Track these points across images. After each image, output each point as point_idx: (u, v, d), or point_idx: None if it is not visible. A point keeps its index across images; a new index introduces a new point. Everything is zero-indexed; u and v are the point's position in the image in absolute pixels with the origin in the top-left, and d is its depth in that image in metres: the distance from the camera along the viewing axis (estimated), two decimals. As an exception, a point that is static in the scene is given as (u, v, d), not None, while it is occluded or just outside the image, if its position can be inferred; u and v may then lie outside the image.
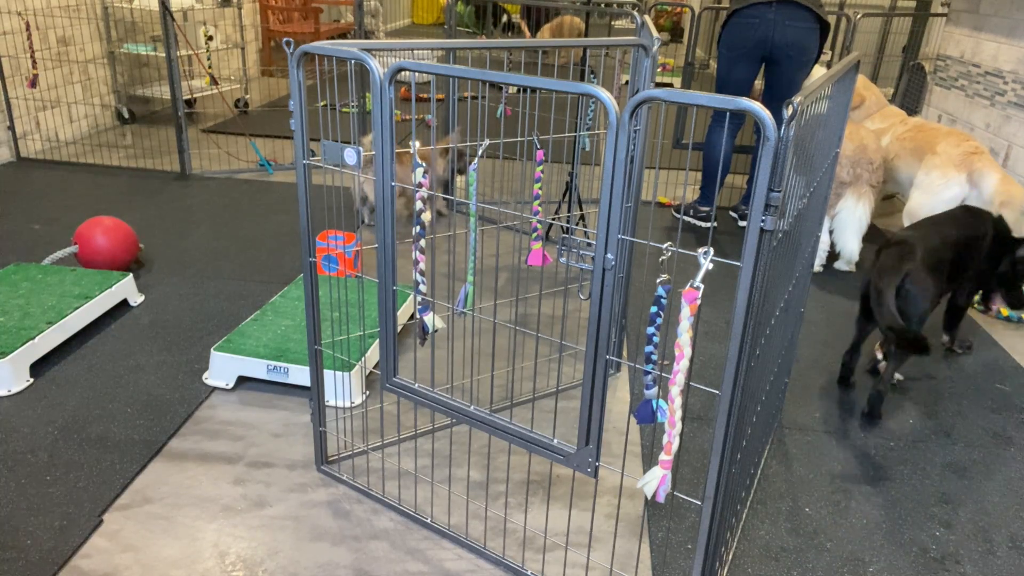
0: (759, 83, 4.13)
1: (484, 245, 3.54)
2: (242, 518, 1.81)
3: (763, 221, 1.15)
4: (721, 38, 3.71)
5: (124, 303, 2.79)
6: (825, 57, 5.93)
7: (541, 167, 1.86)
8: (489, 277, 3.17)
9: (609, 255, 1.28)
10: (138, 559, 1.68)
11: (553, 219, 3.69)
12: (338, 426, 2.17)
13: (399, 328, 2.63)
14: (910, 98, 5.09)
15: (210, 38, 5.36)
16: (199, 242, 3.39)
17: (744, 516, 1.91)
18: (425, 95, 6.77)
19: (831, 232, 3.47)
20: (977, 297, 3.19)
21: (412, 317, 2.74)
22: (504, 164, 4.79)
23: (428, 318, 1.69)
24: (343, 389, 2.25)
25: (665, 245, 1.23)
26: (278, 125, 5.51)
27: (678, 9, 12.51)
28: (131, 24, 5.41)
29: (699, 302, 1.20)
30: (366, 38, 5.74)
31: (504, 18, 10.61)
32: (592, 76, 3.53)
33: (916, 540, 1.87)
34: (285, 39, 1.58)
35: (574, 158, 3.35)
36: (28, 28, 4.21)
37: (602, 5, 4.05)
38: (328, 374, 2.24)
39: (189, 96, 5.65)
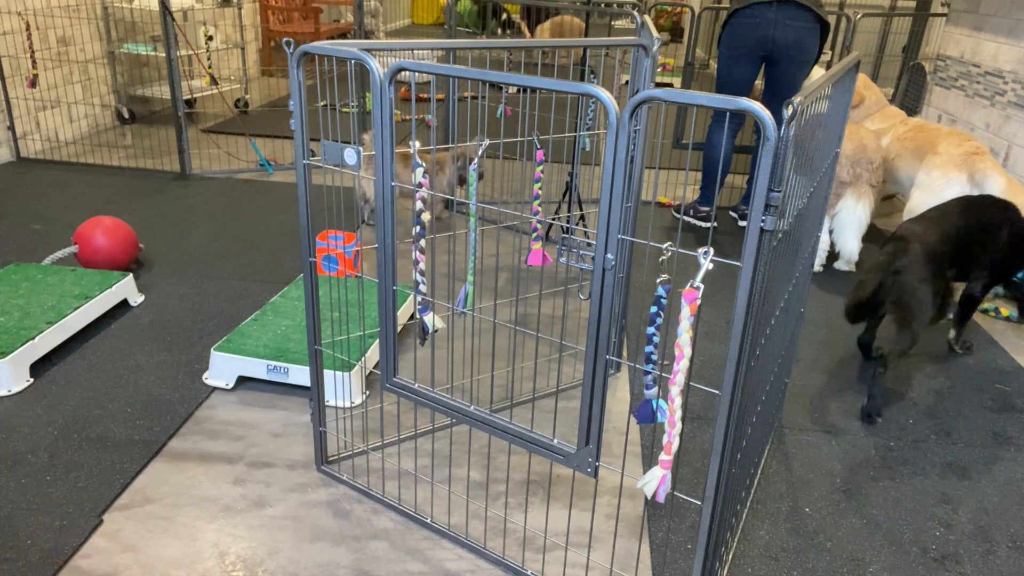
0: (759, 83, 4.13)
1: (484, 245, 3.54)
2: (242, 518, 1.81)
3: (763, 221, 1.15)
4: (721, 38, 3.71)
5: (124, 303, 2.79)
6: (825, 57, 5.93)
7: (541, 167, 1.86)
8: (489, 277, 3.17)
9: (609, 255, 1.28)
10: (138, 559, 1.68)
11: (553, 219, 3.69)
12: (338, 426, 2.17)
13: (399, 328, 2.63)
14: (910, 98, 5.09)
15: (210, 38, 5.36)
16: (199, 242, 3.39)
17: (744, 516, 1.91)
18: (425, 95, 6.77)
19: (831, 232, 3.47)
20: (989, 304, 3.19)
21: (412, 317, 2.74)
22: (504, 164, 4.79)
23: (428, 318, 1.69)
24: (343, 389, 2.25)
25: (665, 245, 1.23)
26: (278, 125, 5.51)
27: (678, 9, 12.51)
28: (131, 24, 5.41)
29: (699, 302, 1.20)
30: (366, 38, 5.74)
31: (503, 16, 10.61)
32: (592, 76, 3.53)
33: (916, 540, 1.87)
34: (285, 39, 1.58)
35: (574, 158, 3.35)
36: (28, 28, 4.21)
37: (602, 5, 4.05)
38: (328, 374, 2.24)
39: (189, 96, 5.65)
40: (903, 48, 6.49)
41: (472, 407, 1.56)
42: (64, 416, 2.14)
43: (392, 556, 1.72)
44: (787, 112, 1.12)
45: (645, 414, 1.34)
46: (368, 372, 2.36)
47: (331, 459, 2.02)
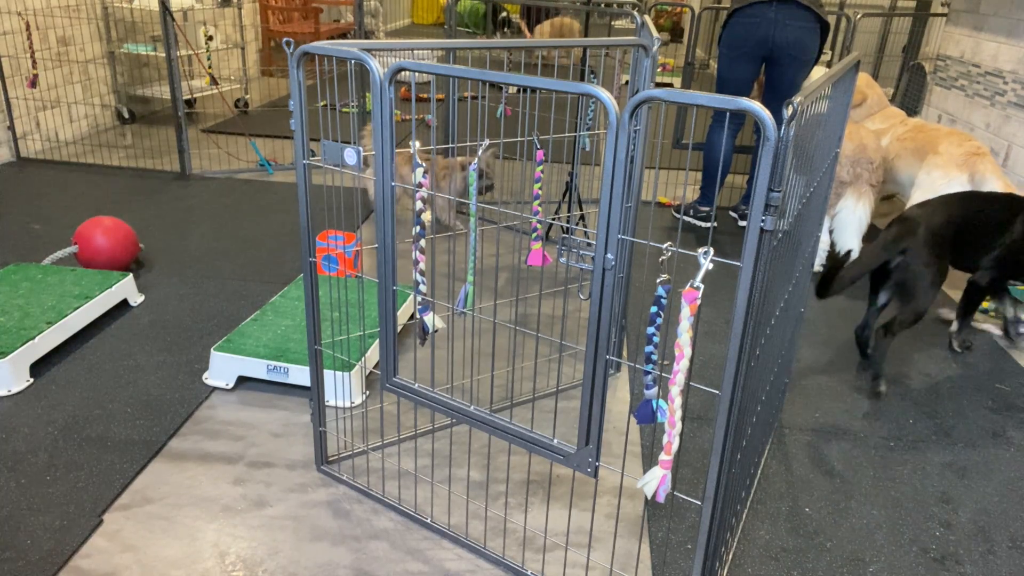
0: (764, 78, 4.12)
1: (484, 245, 3.54)
2: (242, 518, 1.81)
3: (763, 221, 1.15)
4: (722, 37, 3.71)
5: (124, 303, 2.79)
6: (825, 57, 5.94)
7: (541, 167, 1.86)
8: (489, 277, 3.17)
9: (609, 255, 1.28)
10: (138, 559, 1.68)
11: (553, 219, 3.69)
12: (338, 426, 2.17)
13: (399, 328, 2.63)
14: (910, 98, 5.09)
15: (210, 38, 5.36)
16: (199, 242, 3.39)
17: (744, 516, 1.91)
18: (425, 95, 6.77)
19: (831, 232, 3.47)
20: (990, 304, 3.19)
21: (412, 317, 2.74)
22: (504, 164, 4.79)
23: (428, 318, 1.69)
24: (343, 389, 2.25)
25: (665, 245, 1.23)
26: (278, 125, 5.51)
27: (678, 9, 12.51)
28: (131, 24, 5.41)
29: (699, 302, 1.20)
30: (366, 38, 5.74)
31: (502, 15, 10.60)
32: (592, 76, 3.53)
33: (916, 540, 1.87)
34: (285, 39, 1.58)
35: (574, 158, 3.35)
36: (28, 28, 4.21)
37: (602, 5, 4.05)
38: (328, 374, 2.24)
39: (189, 96, 5.65)
40: (903, 48, 6.49)
41: (472, 407, 1.56)
42: (64, 416, 2.14)
43: (392, 556, 1.72)
44: (787, 112, 1.12)
45: (645, 414, 1.34)
46: (368, 372, 2.36)
47: (331, 459, 2.02)
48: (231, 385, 2.33)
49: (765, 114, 1.08)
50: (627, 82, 5.20)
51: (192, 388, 2.31)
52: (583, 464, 1.42)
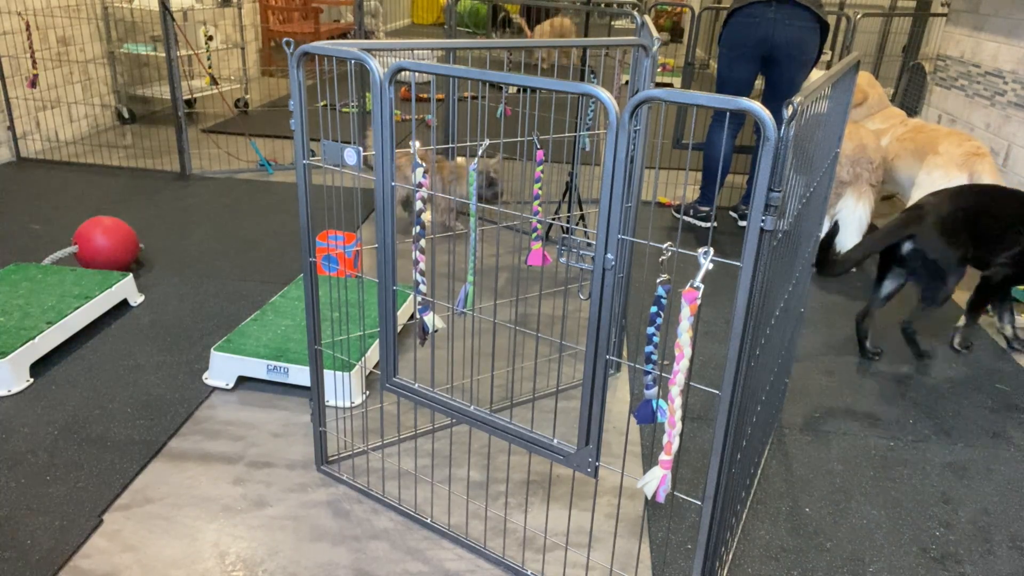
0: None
1: (484, 245, 3.53)
2: (242, 518, 1.81)
3: (763, 221, 1.15)
4: (721, 37, 3.71)
5: (124, 303, 2.79)
6: (825, 57, 5.93)
7: (541, 167, 1.86)
8: (489, 277, 3.17)
9: (609, 255, 1.28)
10: (138, 559, 1.68)
11: (553, 219, 3.69)
12: (338, 426, 2.17)
13: (399, 328, 2.63)
14: (910, 98, 5.09)
15: (210, 38, 5.36)
16: (199, 242, 3.39)
17: (744, 516, 1.91)
18: (425, 95, 6.77)
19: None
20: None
21: (412, 317, 2.74)
22: (504, 164, 4.79)
23: (428, 318, 1.69)
24: (343, 389, 2.25)
25: (665, 245, 1.23)
26: (278, 125, 5.51)
27: (678, 9, 12.51)
28: (131, 24, 5.41)
29: (699, 302, 1.20)
30: (366, 38, 5.74)
31: (501, 15, 10.60)
32: (592, 76, 3.53)
33: (916, 540, 1.87)
34: (285, 39, 1.58)
35: (574, 158, 3.35)
36: (28, 28, 4.21)
37: (602, 5, 4.05)
38: (328, 374, 2.24)
39: (189, 96, 5.65)
40: (903, 48, 6.49)
41: (472, 407, 1.56)
42: (64, 416, 2.14)
43: (392, 556, 1.72)
44: (787, 112, 1.12)
45: (645, 414, 1.34)
46: (368, 372, 2.36)
47: (331, 459, 2.02)
48: (231, 385, 2.33)
49: (765, 114, 1.08)
50: (627, 82, 5.20)
51: (192, 388, 2.31)
52: (583, 464, 1.42)
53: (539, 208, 1.85)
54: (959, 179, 3.32)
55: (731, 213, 4.20)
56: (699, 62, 10.07)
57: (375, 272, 2.55)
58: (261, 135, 5.24)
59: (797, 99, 1.16)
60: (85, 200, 3.83)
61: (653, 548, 1.79)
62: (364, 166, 3.58)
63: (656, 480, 1.32)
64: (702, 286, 1.19)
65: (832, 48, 6.36)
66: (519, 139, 2.28)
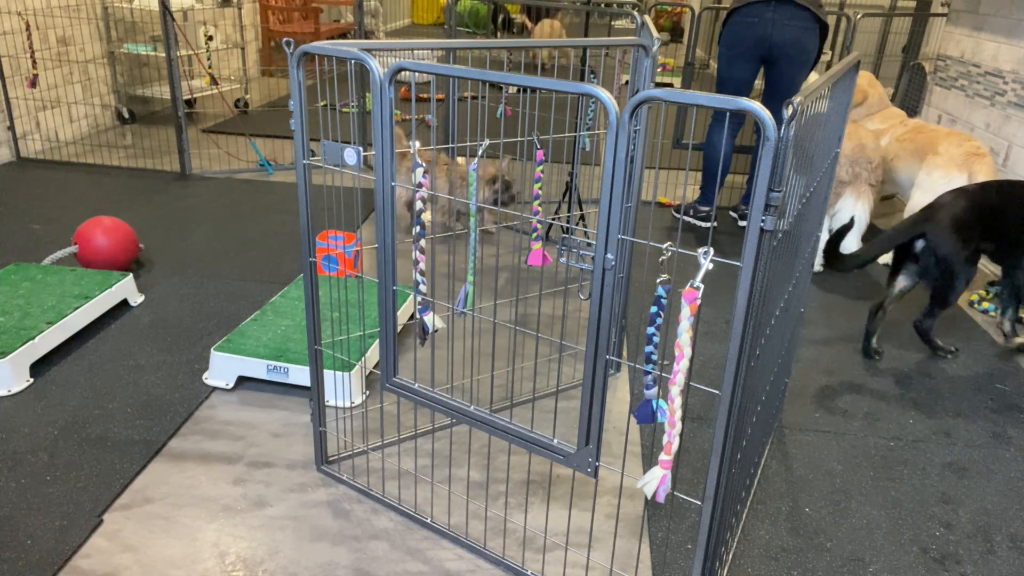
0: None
1: (484, 245, 3.53)
2: (242, 518, 1.81)
3: (763, 221, 1.15)
4: (721, 37, 3.72)
5: (124, 303, 2.79)
6: (825, 57, 5.93)
7: (541, 167, 1.86)
8: (489, 277, 3.17)
9: (609, 255, 1.28)
10: (138, 559, 1.68)
11: (553, 219, 3.69)
12: (338, 426, 2.17)
13: (399, 328, 2.63)
14: (910, 98, 5.09)
15: (210, 38, 5.36)
16: (199, 242, 3.39)
17: (744, 516, 1.91)
18: (425, 95, 6.77)
19: (831, 231, 3.47)
20: (990, 304, 3.18)
21: (412, 317, 2.74)
22: (504, 164, 4.78)
23: (428, 318, 1.69)
24: (343, 389, 2.25)
25: (665, 245, 1.23)
26: (278, 125, 5.51)
27: (678, 9, 12.51)
28: (131, 24, 5.41)
29: (699, 302, 1.20)
30: (366, 38, 5.74)
31: (501, 16, 10.61)
32: (592, 76, 3.53)
33: (916, 540, 1.87)
34: (285, 39, 1.58)
35: (574, 158, 3.35)
36: (28, 28, 4.21)
37: (602, 5, 4.05)
38: (328, 374, 2.24)
39: (189, 96, 5.65)
40: (903, 48, 6.49)
41: (472, 407, 1.56)
42: (64, 416, 2.14)
43: (392, 556, 1.72)
44: (787, 112, 1.12)
45: (645, 414, 1.34)
46: (368, 372, 2.36)
47: (331, 459, 2.02)
48: (231, 385, 2.33)
49: (765, 114, 1.08)
50: (627, 82, 5.20)
51: (192, 388, 2.31)
52: (583, 464, 1.43)
53: (539, 208, 1.85)
54: (959, 179, 3.32)
55: (731, 213, 4.20)
56: (699, 62, 10.07)
57: (375, 272, 2.55)
58: (261, 135, 5.24)
59: (797, 99, 1.16)
60: (85, 200, 3.83)
61: (653, 548, 1.79)
62: (364, 166, 3.57)
63: (656, 480, 1.32)
64: (702, 286, 1.19)
65: (832, 48, 6.36)
66: (519, 139, 2.28)
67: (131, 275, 2.79)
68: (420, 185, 1.55)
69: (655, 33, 2.10)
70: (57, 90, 4.73)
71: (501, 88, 6.04)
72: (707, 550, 1.39)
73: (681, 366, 1.24)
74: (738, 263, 1.18)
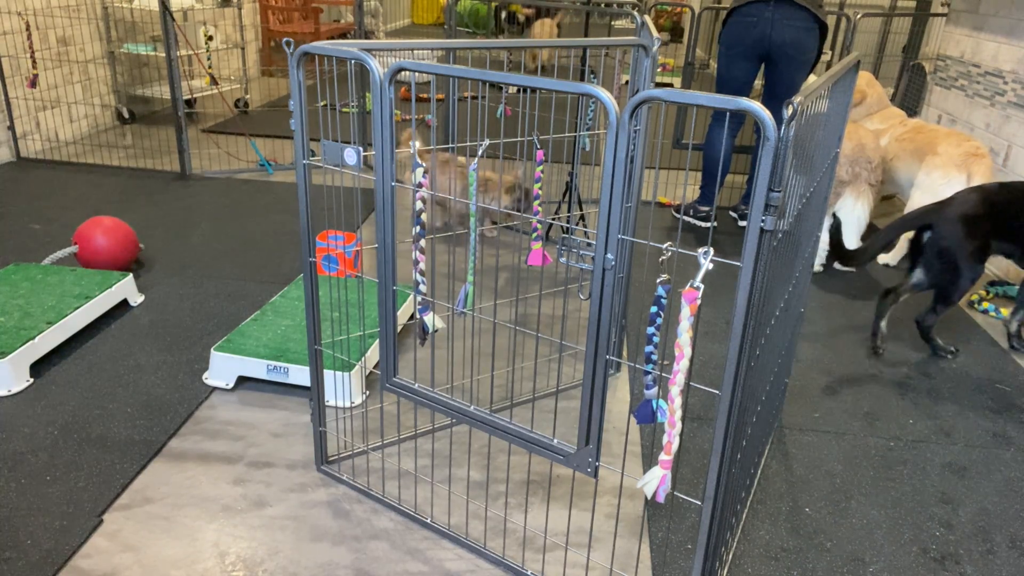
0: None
1: (484, 245, 3.53)
2: (242, 518, 1.81)
3: (763, 221, 1.15)
4: (720, 37, 3.72)
5: (124, 303, 2.79)
6: (825, 57, 5.93)
7: (541, 167, 1.86)
8: (489, 277, 3.17)
9: (609, 255, 1.28)
10: (138, 559, 1.68)
11: (553, 219, 3.69)
12: (338, 426, 2.17)
13: (399, 328, 2.63)
14: (910, 98, 5.09)
15: (210, 38, 5.36)
16: (199, 242, 3.39)
17: (744, 516, 1.91)
18: (425, 95, 6.77)
19: (831, 231, 3.47)
20: (990, 304, 3.18)
21: (412, 317, 2.74)
22: (504, 164, 4.79)
23: (428, 318, 1.69)
24: (343, 389, 2.25)
25: (665, 245, 1.23)
26: (278, 125, 5.51)
27: (678, 9, 12.51)
28: (131, 24, 5.41)
29: (699, 302, 1.20)
30: (366, 38, 5.74)
31: (503, 15, 10.60)
32: (592, 76, 3.53)
33: (916, 540, 1.87)
34: (285, 39, 1.58)
35: (574, 158, 3.35)
36: (28, 28, 4.21)
37: (602, 5, 4.06)
38: (328, 374, 2.24)
39: (189, 96, 5.65)
40: (903, 48, 6.49)
41: (472, 407, 1.56)
42: (64, 416, 2.14)
43: (392, 556, 1.72)
44: (787, 112, 1.12)
45: (645, 414, 1.34)
46: (368, 372, 2.36)
47: (331, 459, 2.02)
48: (231, 385, 2.33)
49: (765, 114, 1.08)
50: (627, 82, 5.20)
51: (192, 388, 2.31)
52: (583, 464, 1.43)
53: (539, 208, 1.85)
54: (958, 180, 3.32)
55: (731, 213, 4.20)
56: (699, 62, 10.07)
57: (375, 272, 2.55)
58: (261, 135, 5.24)
59: (797, 99, 1.16)
60: (85, 200, 3.83)
61: (653, 548, 1.79)
62: (364, 166, 3.57)
63: (656, 480, 1.32)
64: (702, 286, 1.19)
65: (832, 48, 6.36)
66: (519, 139, 2.28)
67: (131, 275, 2.79)
68: (420, 185, 1.55)
69: (655, 33, 2.10)
70: (57, 90, 4.72)
71: (501, 88, 6.04)
72: (707, 550, 1.39)
73: (681, 366, 1.24)
74: (738, 263, 1.18)
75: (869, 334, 2.82)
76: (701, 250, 1.18)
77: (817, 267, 3.52)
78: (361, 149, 1.57)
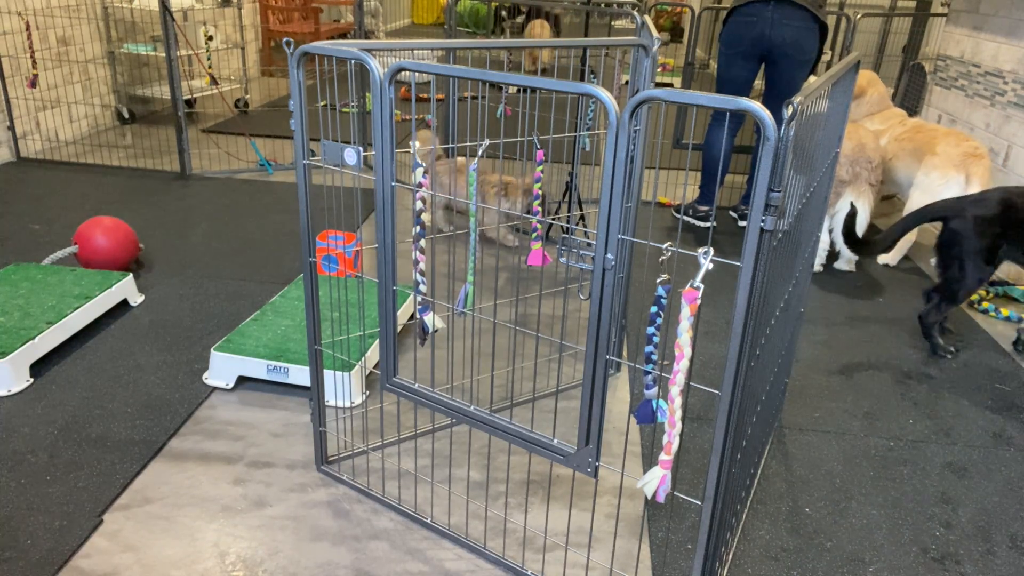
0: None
1: (484, 245, 3.53)
2: (242, 518, 1.81)
3: (763, 221, 1.15)
4: (721, 36, 3.72)
5: (124, 303, 2.79)
6: (825, 57, 5.93)
7: (541, 167, 1.86)
8: (489, 277, 3.17)
9: (609, 255, 1.28)
10: (138, 559, 1.68)
11: (553, 219, 3.68)
12: (338, 426, 2.17)
13: (399, 328, 2.63)
14: (910, 98, 5.09)
15: (210, 38, 5.36)
16: (199, 242, 3.39)
17: (744, 516, 1.91)
18: (425, 95, 6.77)
19: (831, 231, 3.47)
20: (989, 304, 3.18)
21: (412, 317, 2.74)
22: (504, 164, 4.79)
23: (428, 318, 1.69)
24: (343, 389, 2.25)
25: (665, 245, 1.23)
26: (278, 125, 5.51)
27: (678, 9, 12.50)
28: (131, 24, 5.41)
29: (699, 302, 1.20)
30: (366, 38, 5.74)
31: (502, 13, 10.60)
32: (592, 76, 3.53)
33: (916, 540, 1.87)
34: (285, 39, 1.58)
35: (574, 158, 3.35)
36: (28, 28, 4.21)
37: (602, 5, 4.05)
38: (328, 374, 2.24)
39: (189, 96, 5.65)
40: (903, 48, 6.49)
41: (472, 407, 1.56)
42: (64, 416, 2.14)
43: (392, 556, 1.72)
44: (787, 112, 1.12)
45: (645, 414, 1.34)
46: (368, 372, 2.36)
47: (331, 459, 2.02)
48: (231, 385, 2.33)
49: (765, 114, 1.08)
50: (627, 82, 5.20)
51: (192, 388, 2.31)
52: (583, 464, 1.43)
53: (539, 208, 1.85)
54: (956, 180, 3.33)
55: (731, 213, 4.20)
56: (699, 62, 10.07)
57: (375, 272, 2.55)
58: (261, 135, 5.24)
59: (797, 99, 1.16)
60: (85, 200, 3.83)
61: (653, 548, 1.79)
62: (364, 166, 3.56)
63: (656, 480, 1.32)
64: (702, 286, 1.19)
65: (832, 48, 6.36)
66: (519, 139, 2.28)
67: (131, 275, 2.79)
68: (420, 185, 1.55)
69: (655, 33, 2.10)
70: (57, 90, 4.72)
71: (501, 88, 6.04)
72: (707, 550, 1.39)
73: (681, 366, 1.24)
74: (738, 263, 1.18)
75: (924, 338, 2.81)
76: (701, 250, 1.18)
77: (817, 267, 3.52)
78: (361, 149, 1.57)
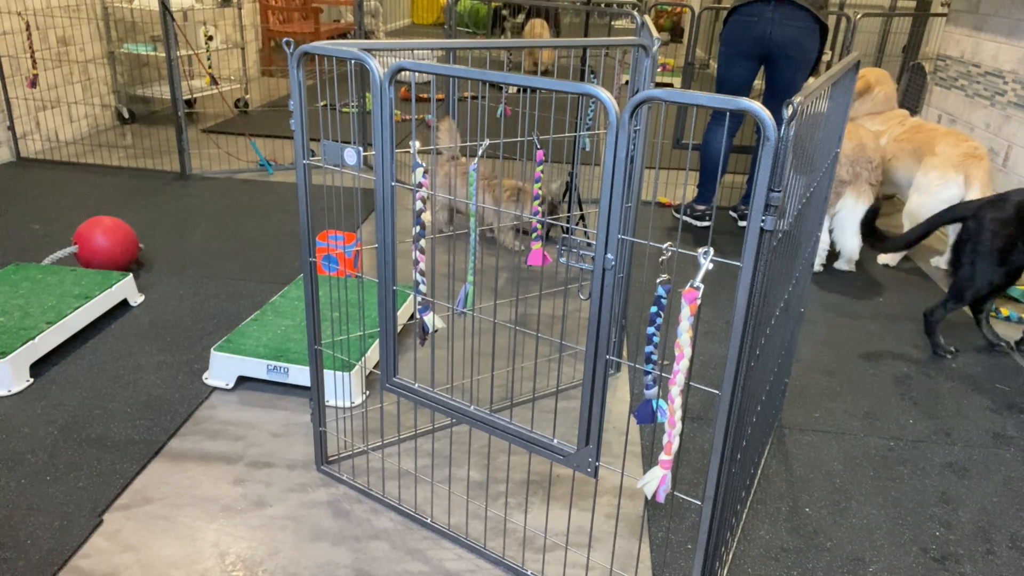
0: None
1: (484, 245, 3.53)
2: (242, 518, 1.81)
3: (763, 221, 1.15)
4: (721, 36, 3.72)
5: (124, 303, 2.79)
6: (825, 57, 5.93)
7: (541, 167, 1.86)
8: (489, 277, 3.17)
9: (609, 255, 1.28)
10: (138, 559, 1.68)
11: (553, 219, 3.68)
12: (338, 426, 2.17)
13: (399, 328, 2.63)
14: (910, 98, 5.09)
15: (210, 38, 5.36)
16: (199, 242, 3.39)
17: (744, 516, 1.91)
18: (425, 95, 6.77)
19: (831, 231, 3.47)
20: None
21: (412, 317, 2.74)
22: (504, 164, 4.79)
23: (428, 318, 1.69)
24: (343, 389, 2.25)
25: (665, 245, 1.23)
26: (278, 125, 5.51)
27: (678, 9, 12.50)
28: (131, 24, 5.41)
29: (699, 302, 1.20)
30: (366, 38, 5.74)
31: (503, 12, 10.60)
32: (592, 76, 3.53)
33: (916, 540, 1.87)
34: (285, 39, 1.58)
35: (574, 158, 3.35)
36: (28, 28, 4.21)
37: (602, 5, 4.05)
38: (328, 374, 2.24)
39: (189, 96, 5.65)
40: (903, 48, 6.49)
41: (472, 407, 1.56)
42: (64, 416, 2.14)
43: (392, 556, 1.72)
44: (787, 112, 1.12)
45: (645, 414, 1.34)
46: (368, 372, 2.36)
47: (331, 459, 2.02)
48: (231, 385, 2.33)
49: (765, 114, 1.08)
50: (627, 82, 5.20)
51: (192, 388, 2.31)
52: (583, 464, 1.43)
53: (539, 208, 1.85)
54: (955, 180, 3.33)
55: (731, 213, 4.20)
56: (699, 62, 10.07)
57: (375, 272, 2.55)
58: (261, 135, 5.24)
59: (797, 99, 1.16)
60: (85, 200, 3.83)
61: (653, 548, 1.79)
62: (364, 166, 3.56)
63: (656, 480, 1.32)
64: (702, 286, 1.19)
65: (832, 48, 6.36)
66: (519, 139, 2.28)
67: (131, 275, 2.79)
68: (420, 185, 1.55)
69: (655, 33, 2.10)
70: (57, 90, 4.72)
71: (501, 88, 6.04)
72: (707, 550, 1.39)
73: (681, 366, 1.24)
74: (738, 263, 1.18)
75: (925, 335, 2.83)
76: (701, 250, 1.18)
77: (817, 267, 3.52)
78: (361, 149, 1.57)
